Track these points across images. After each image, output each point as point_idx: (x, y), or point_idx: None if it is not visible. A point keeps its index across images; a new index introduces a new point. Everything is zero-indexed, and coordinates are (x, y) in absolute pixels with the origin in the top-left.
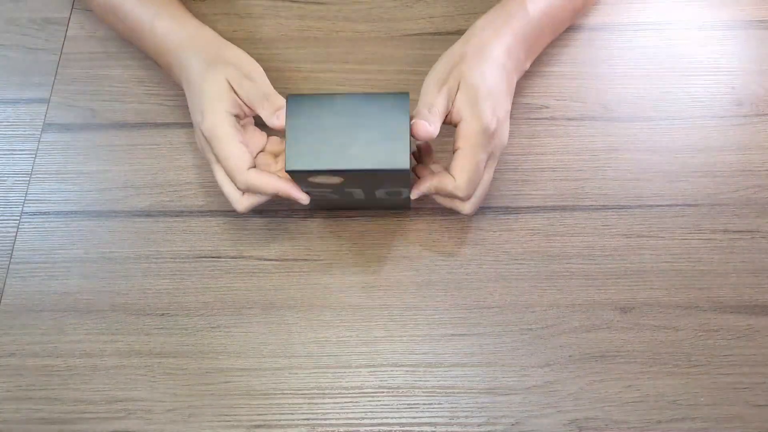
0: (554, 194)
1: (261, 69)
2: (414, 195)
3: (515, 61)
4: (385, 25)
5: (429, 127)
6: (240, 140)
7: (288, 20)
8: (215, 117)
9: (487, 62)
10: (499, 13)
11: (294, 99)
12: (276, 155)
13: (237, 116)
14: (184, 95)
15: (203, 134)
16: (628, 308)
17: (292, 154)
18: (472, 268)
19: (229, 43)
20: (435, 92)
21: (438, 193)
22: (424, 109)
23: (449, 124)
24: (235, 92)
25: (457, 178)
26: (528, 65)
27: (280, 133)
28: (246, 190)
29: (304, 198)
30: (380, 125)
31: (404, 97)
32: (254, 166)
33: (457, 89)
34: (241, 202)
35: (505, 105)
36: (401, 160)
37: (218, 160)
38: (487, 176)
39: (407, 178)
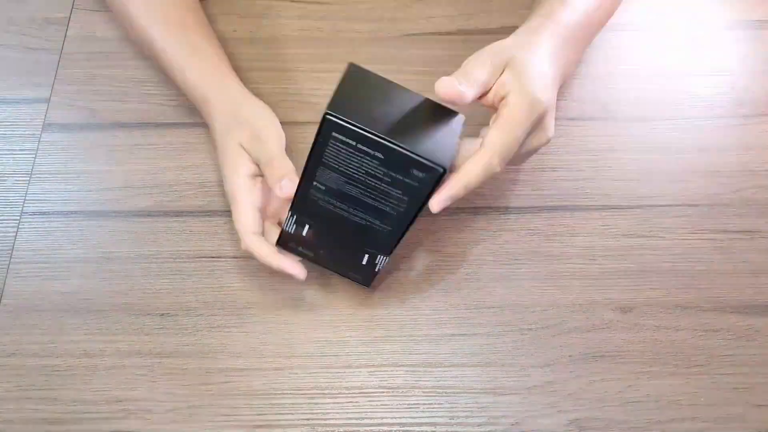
0: (554, 194)
1: (275, 127)
2: (437, 206)
3: (564, 59)
4: (385, 25)
5: (458, 85)
6: (252, 203)
7: (288, 20)
8: (231, 180)
9: (539, 49)
10: (540, 22)
11: (354, 67)
12: None
13: (256, 175)
14: (182, 96)
15: (226, 194)
16: (628, 308)
17: (338, 106)
18: (472, 268)
19: (250, 97)
20: (476, 63)
21: (466, 185)
22: (459, 75)
23: (487, 106)
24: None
25: (488, 143)
26: (575, 68)
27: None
28: (245, 252)
29: (299, 273)
30: (430, 125)
31: (461, 117)
32: (260, 231)
33: (504, 67)
34: (243, 245)
35: (553, 93)
36: (442, 158)
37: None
38: (524, 149)
39: (420, 198)
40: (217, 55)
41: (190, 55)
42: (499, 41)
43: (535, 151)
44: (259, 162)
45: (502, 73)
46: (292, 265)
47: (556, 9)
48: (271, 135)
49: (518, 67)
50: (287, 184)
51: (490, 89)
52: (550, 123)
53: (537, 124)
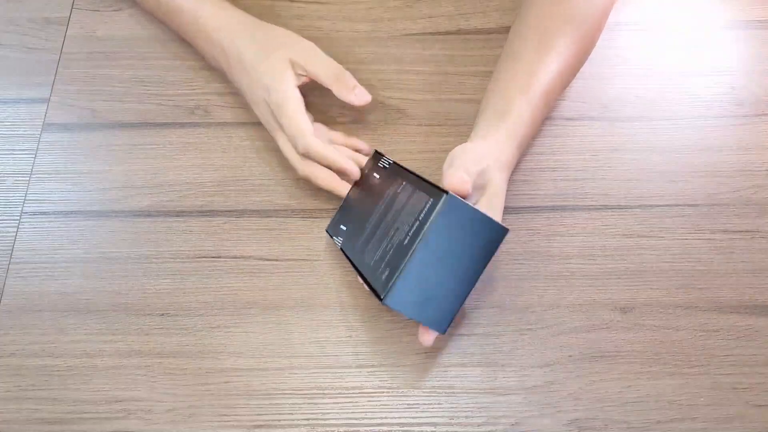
0: (554, 194)
1: (315, 46)
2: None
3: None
4: (385, 25)
5: (466, 183)
6: (304, 111)
7: (288, 20)
8: (284, 89)
9: (504, 174)
10: (491, 135)
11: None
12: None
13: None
14: (183, 96)
15: (270, 106)
16: (628, 308)
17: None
18: None
19: (272, 25)
20: (465, 175)
21: None
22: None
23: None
24: (304, 70)
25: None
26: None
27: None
28: (304, 154)
29: (355, 171)
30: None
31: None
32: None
33: (484, 189)
34: (302, 167)
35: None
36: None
37: (282, 128)
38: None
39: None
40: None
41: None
42: (472, 148)
43: None
44: (322, 79)
45: (483, 196)
46: (347, 161)
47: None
48: (320, 52)
49: (495, 200)
50: (362, 92)
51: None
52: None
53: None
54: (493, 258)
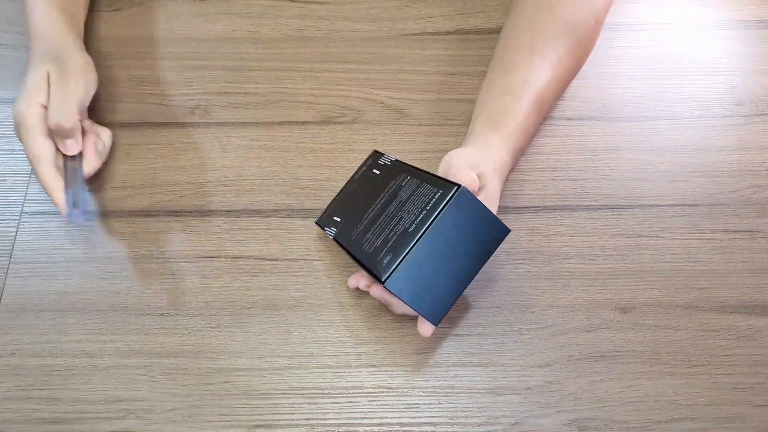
0: (554, 194)
1: (88, 77)
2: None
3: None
4: (385, 24)
5: (475, 181)
6: (42, 131)
7: (288, 20)
8: (21, 107)
9: (498, 179)
10: (482, 145)
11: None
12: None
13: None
14: (183, 96)
15: (13, 115)
16: (628, 308)
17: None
18: None
19: (79, 47)
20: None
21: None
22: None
23: None
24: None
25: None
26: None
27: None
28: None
29: (61, 210)
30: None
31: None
32: (54, 160)
33: (478, 194)
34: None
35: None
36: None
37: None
38: None
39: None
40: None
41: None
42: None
43: None
44: (53, 98)
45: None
46: (58, 197)
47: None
48: (80, 81)
49: (492, 203)
50: (72, 145)
51: None
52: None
53: None
54: (494, 258)
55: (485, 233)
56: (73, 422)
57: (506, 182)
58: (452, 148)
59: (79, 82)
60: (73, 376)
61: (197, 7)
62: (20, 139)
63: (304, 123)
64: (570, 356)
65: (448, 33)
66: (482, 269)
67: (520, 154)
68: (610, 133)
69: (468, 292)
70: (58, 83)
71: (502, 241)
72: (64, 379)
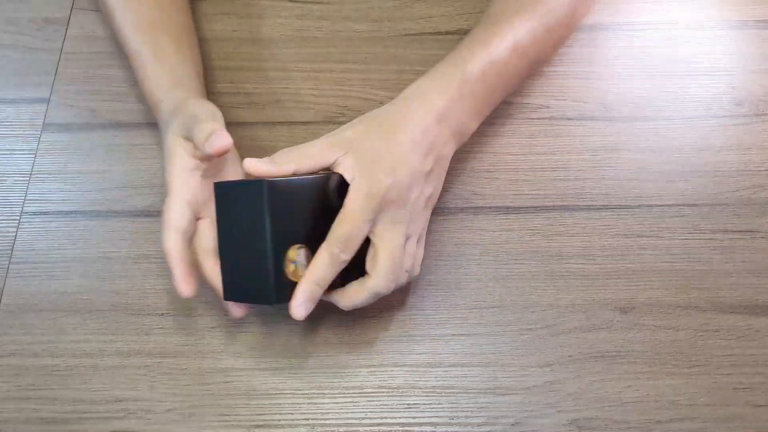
0: (554, 194)
1: (210, 107)
2: (296, 311)
3: (452, 126)
4: (385, 25)
5: (259, 163)
6: (183, 196)
7: (288, 20)
8: (167, 170)
9: (398, 132)
10: (433, 76)
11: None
12: None
13: (194, 169)
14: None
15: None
16: (628, 308)
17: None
18: (472, 268)
19: (197, 98)
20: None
21: (317, 281)
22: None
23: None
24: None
25: (329, 235)
26: (475, 125)
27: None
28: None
29: (185, 292)
30: None
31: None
32: (186, 228)
33: (345, 153)
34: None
35: (410, 177)
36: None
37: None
38: (394, 241)
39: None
40: (181, 62)
41: (151, 62)
42: (369, 115)
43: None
44: (189, 134)
45: (344, 156)
46: (186, 282)
47: (443, 72)
48: (205, 110)
49: (357, 155)
50: (216, 139)
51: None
52: (407, 201)
53: (385, 203)
54: (494, 258)
55: (246, 207)
56: (73, 422)
57: (506, 182)
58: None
59: (205, 109)
60: (73, 376)
61: (197, 7)
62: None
63: (304, 123)
64: (570, 356)
65: (448, 33)
66: (483, 270)
67: (476, 110)
68: (610, 133)
69: (468, 292)
70: (188, 123)
71: (262, 197)
72: (64, 379)
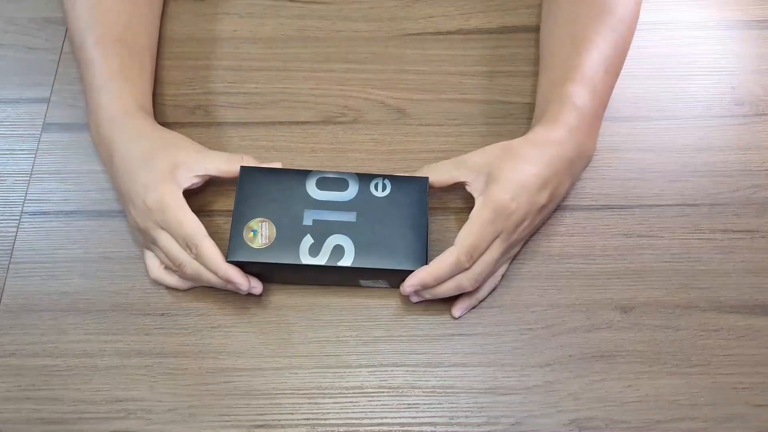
0: None
1: (204, 147)
2: (408, 288)
3: (570, 163)
4: (385, 25)
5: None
6: (189, 209)
7: (288, 20)
8: (166, 189)
9: (525, 163)
10: (547, 117)
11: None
12: None
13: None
14: (183, 96)
15: (147, 205)
16: (628, 308)
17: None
18: None
19: (164, 128)
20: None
21: (436, 276)
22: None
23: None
24: (200, 169)
25: (458, 242)
26: (595, 145)
27: None
28: (196, 256)
29: (244, 289)
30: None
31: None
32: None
33: (476, 175)
34: (191, 266)
35: (528, 205)
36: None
37: (167, 228)
38: (492, 254)
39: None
40: (144, 83)
41: (116, 76)
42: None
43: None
44: (219, 168)
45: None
46: (239, 276)
47: (562, 107)
48: (211, 153)
49: (486, 178)
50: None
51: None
52: (525, 220)
53: (506, 225)
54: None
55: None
56: (73, 422)
57: None
58: (452, 148)
59: (196, 146)
60: (73, 376)
61: (197, 7)
62: (163, 221)
63: (304, 123)
64: (570, 356)
65: (448, 33)
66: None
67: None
68: (610, 133)
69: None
70: (198, 156)
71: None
72: (64, 379)
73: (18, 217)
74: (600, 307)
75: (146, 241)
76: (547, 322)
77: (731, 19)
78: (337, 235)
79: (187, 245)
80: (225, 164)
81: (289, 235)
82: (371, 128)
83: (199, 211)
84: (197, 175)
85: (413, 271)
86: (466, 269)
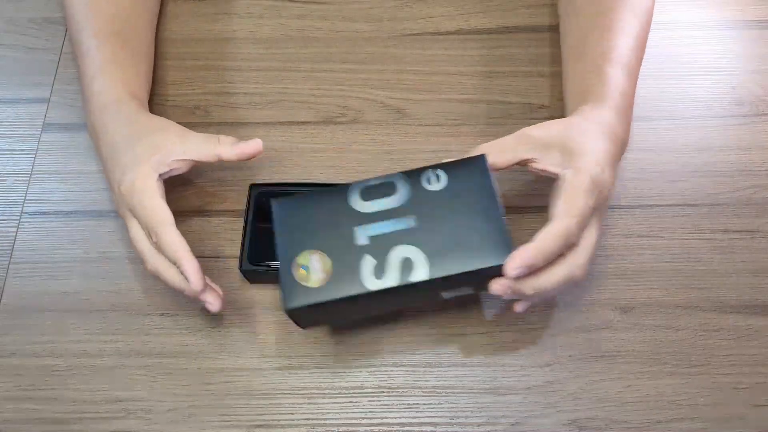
0: None
1: (187, 130)
2: (513, 271)
3: (624, 130)
4: (385, 25)
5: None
6: (162, 198)
7: (288, 20)
8: (140, 175)
9: (587, 138)
10: (592, 100)
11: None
12: None
13: (160, 176)
14: (183, 96)
15: (121, 190)
16: (628, 308)
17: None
18: None
19: (152, 115)
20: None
21: (544, 251)
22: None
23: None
24: (180, 154)
25: (558, 212)
26: (628, 137)
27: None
28: (159, 248)
29: (196, 285)
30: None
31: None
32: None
33: (545, 150)
34: (152, 260)
35: (613, 174)
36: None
37: (135, 215)
38: (593, 235)
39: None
40: (136, 75)
41: (109, 63)
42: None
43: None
44: (201, 151)
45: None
46: (192, 271)
47: (607, 88)
48: (194, 135)
49: (561, 150)
50: (249, 143)
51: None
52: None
53: (600, 198)
54: None
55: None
56: (73, 422)
57: (507, 182)
58: (452, 148)
59: (178, 129)
60: (73, 376)
61: (197, 7)
62: (132, 206)
63: (304, 123)
64: (570, 356)
65: (448, 33)
66: None
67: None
68: None
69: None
70: (183, 138)
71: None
72: (64, 379)
73: (18, 217)
74: (599, 308)
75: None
76: (547, 322)
77: (731, 19)
78: (400, 246)
79: (149, 231)
80: (203, 146)
81: (346, 262)
82: (371, 128)
83: (198, 211)
84: (177, 160)
85: (501, 265)
86: (574, 247)
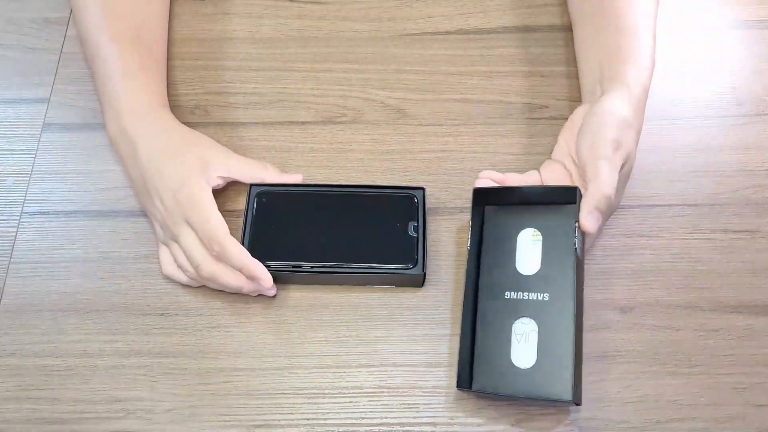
0: None
1: (229, 150)
2: (586, 219)
3: (642, 111)
4: (384, 25)
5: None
6: (217, 209)
7: (288, 20)
8: (200, 185)
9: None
10: (619, 86)
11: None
12: None
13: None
14: (183, 96)
15: (177, 199)
16: (628, 308)
17: None
18: None
19: (183, 126)
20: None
21: (611, 184)
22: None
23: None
24: (224, 170)
25: (598, 148)
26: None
27: None
28: (218, 254)
29: (268, 283)
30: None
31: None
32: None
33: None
34: (209, 266)
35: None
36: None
37: (191, 224)
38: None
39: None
40: (162, 80)
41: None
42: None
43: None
44: (246, 172)
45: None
46: (262, 270)
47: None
48: (238, 157)
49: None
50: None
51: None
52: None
53: (626, 136)
54: None
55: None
56: (73, 422)
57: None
58: (452, 148)
59: (221, 147)
60: (73, 376)
61: (197, 7)
62: (190, 217)
63: (304, 123)
64: None
65: (448, 33)
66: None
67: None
68: None
69: None
70: (228, 159)
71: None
72: (64, 379)
73: (18, 217)
74: (599, 308)
75: (166, 236)
76: None
77: (731, 19)
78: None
79: (210, 242)
80: (251, 170)
81: None
82: (371, 128)
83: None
84: (221, 176)
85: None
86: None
